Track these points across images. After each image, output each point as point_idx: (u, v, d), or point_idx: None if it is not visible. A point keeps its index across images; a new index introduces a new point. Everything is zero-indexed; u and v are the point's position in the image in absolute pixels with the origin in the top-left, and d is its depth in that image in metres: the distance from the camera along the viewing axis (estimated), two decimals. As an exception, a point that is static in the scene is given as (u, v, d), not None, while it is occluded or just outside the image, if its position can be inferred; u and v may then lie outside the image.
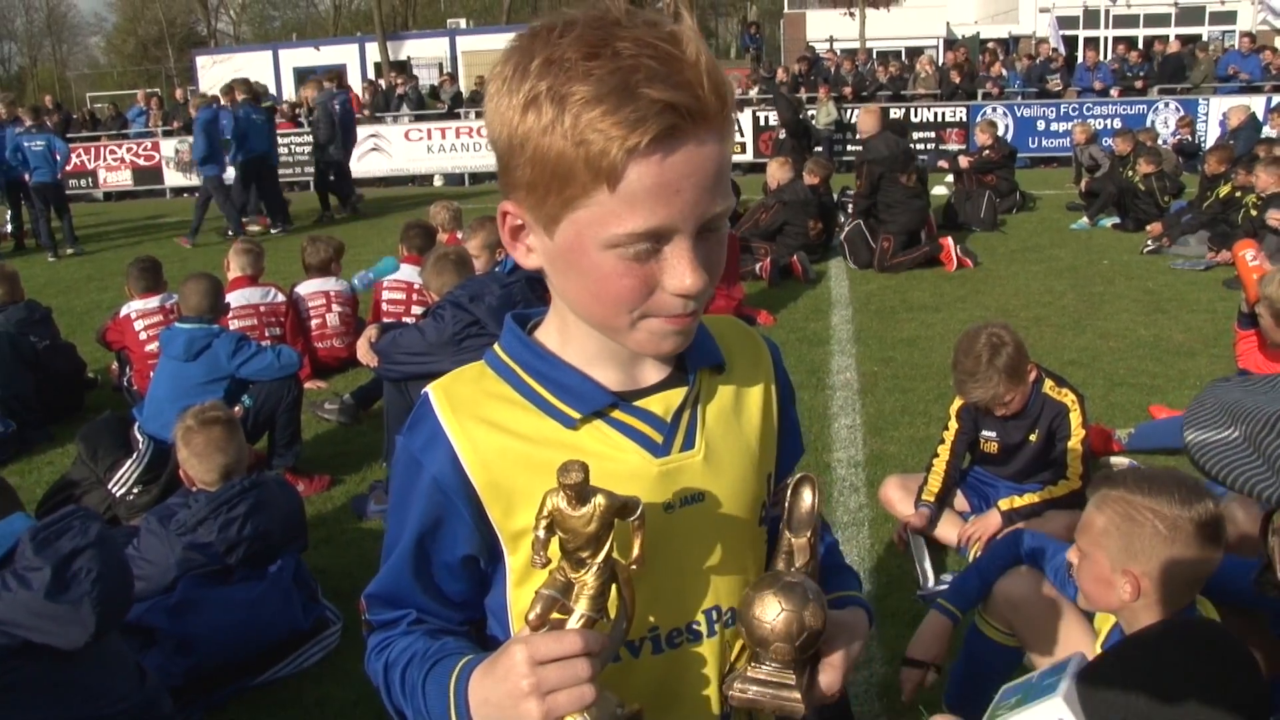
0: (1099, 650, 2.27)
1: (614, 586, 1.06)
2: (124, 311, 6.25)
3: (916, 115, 18.51)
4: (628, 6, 1.00)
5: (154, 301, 6.21)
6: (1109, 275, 9.02)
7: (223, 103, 13.60)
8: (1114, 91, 18.68)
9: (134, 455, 4.58)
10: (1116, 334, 7.02)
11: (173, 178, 19.58)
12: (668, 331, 1.07)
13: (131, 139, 20.54)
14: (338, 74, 16.85)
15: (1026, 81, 19.67)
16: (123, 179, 20.13)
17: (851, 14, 28.38)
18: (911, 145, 10.42)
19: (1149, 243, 10.02)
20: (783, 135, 16.72)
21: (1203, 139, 16.52)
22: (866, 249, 9.66)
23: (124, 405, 5.89)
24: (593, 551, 1.02)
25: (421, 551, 1.18)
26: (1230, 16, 28.84)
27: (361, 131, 19.82)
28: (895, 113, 17.30)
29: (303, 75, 26.10)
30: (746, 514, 1.22)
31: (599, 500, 0.99)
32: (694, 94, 0.95)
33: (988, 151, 12.71)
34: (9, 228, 13.90)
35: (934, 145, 17.97)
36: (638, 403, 1.16)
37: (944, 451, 4.08)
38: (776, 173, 10.25)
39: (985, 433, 4.02)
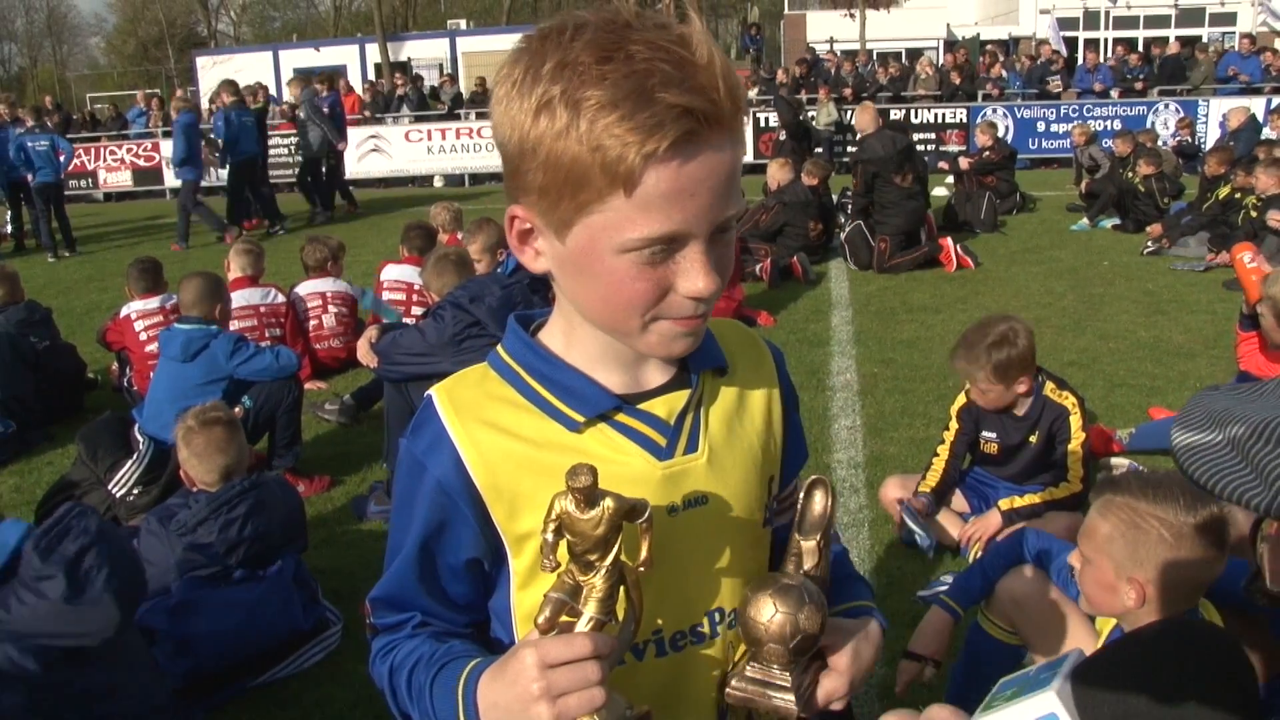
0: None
1: (622, 589, 1.06)
2: (124, 312, 6.25)
3: (917, 116, 18.53)
4: (637, 9, 0.99)
5: (154, 302, 6.21)
6: (1109, 276, 9.02)
7: (216, 105, 13.61)
8: (1114, 93, 18.68)
9: (134, 456, 4.58)
10: (1116, 335, 7.02)
11: (173, 178, 19.56)
12: (678, 333, 1.07)
13: (132, 140, 20.57)
14: (329, 76, 16.76)
15: (1027, 83, 19.68)
16: (123, 179, 20.15)
17: (852, 15, 28.40)
18: (913, 143, 10.37)
19: (1149, 244, 10.02)
20: (783, 137, 16.73)
21: (1202, 140, 16.53)
22: (867, 249, 9.66)
23: (124, 406, 5.88)
24: (601, 554, 1.02)
25: (426, 554, 1.18)
26: (1230, 18, 28.86)
27: (362, 132, 19.87)
28: (895, 114, 17.34)
29: (303, 76, 26.16)
30: (749, 517, 1.22)
31: (608, 503, 0.99)
32: (710, 98, 0.95)
33: (988, 153, 12.72)
34: (9, 228, 13.90)
35: (934, 146, 17.98)
36: (641, 405, 1.15)
37: (944, 451, 4.10)
38: (776, 174, 10.25)
39: (985, 433, 4.02)
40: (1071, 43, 25.41)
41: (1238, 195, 9.58)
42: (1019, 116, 18.40)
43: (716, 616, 1.20)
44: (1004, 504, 3.85)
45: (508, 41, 22.95)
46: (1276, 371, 4.33)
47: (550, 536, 1.02)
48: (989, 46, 24.50)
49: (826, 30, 30.38)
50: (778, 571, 1.20)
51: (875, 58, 23.55)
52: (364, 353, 4.71)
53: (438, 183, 19.71)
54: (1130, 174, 11.58)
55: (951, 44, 28.06)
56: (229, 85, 14.14)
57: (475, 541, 1.15)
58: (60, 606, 2.43)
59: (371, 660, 1.26)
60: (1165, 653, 0.64)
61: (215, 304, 4.92)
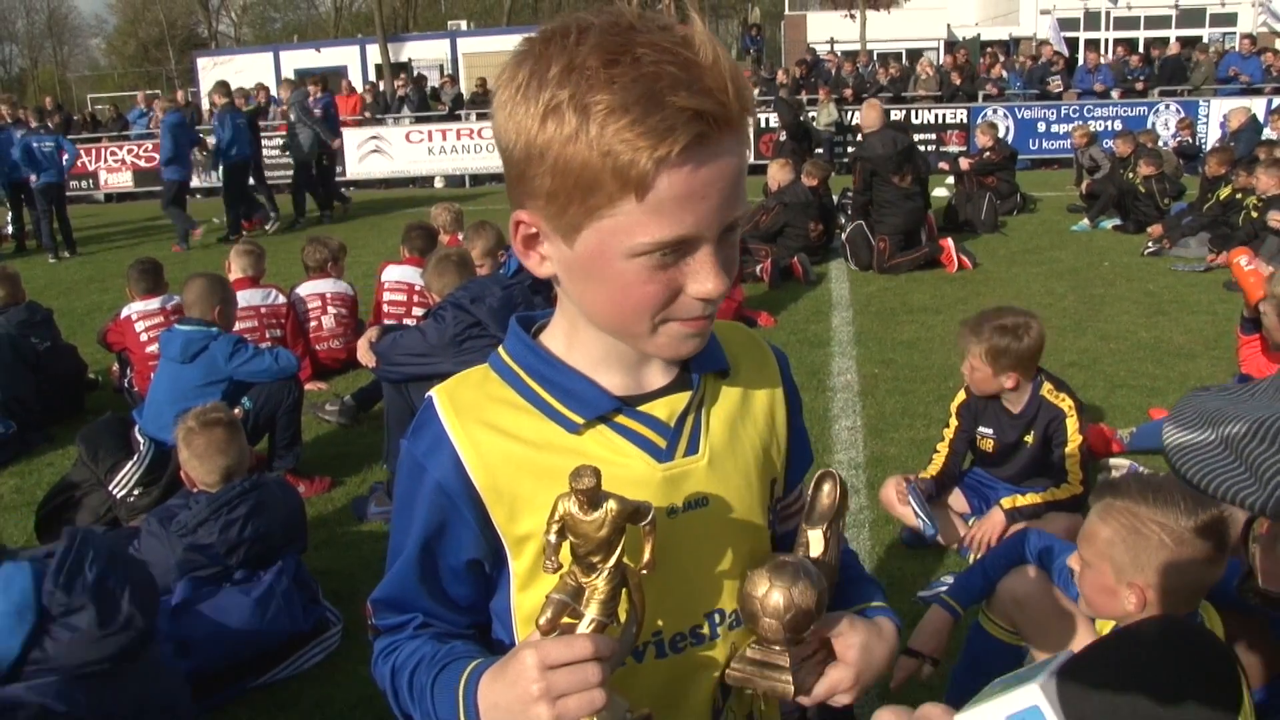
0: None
1: (624, 591, 1.06)
2: (125, 313, 6.25)
3: (917, 117, 18.53)
4: (639, 10, 0.99)
5: (155, 303, 6.21)
6: (1109, 277, 9.02)
7: (217, 105, 13.61)
8: (1114, 93, 18.68)
9: (135, 457, 4.57)
10: (1117, 336, 7.02)
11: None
12: (687, 334, 1.08)
13: (132, 140, 20.59)
14: (323, 77, 16.75)
15: (1027, 83, 19.68)
16: (123, 180, 20.17)
17: (852, 16, 28.44)
18: (915, 144, 10.37)
19: (1149, 245, 10.02)
20: (783, 137, 16.73)
21: (1203, 141, 16.53)
22: (868, 249, 9.67)
23: (125, 407, 5.88)
24: (604, 556, 1.02)
25: (427, 556, 1.18)
26: (1231, 19, 28.87)
27: (362, 133, 19.87)
28: (896, 114, 17.31)
29: (304, 77, 26.18)
30: (750, 519, 1.21)
31: (611, 505, 0.99)
32: (719, 100, 0.95)
33: (988, 153, 12.71)
34: (10, 229, 13.91)
35: (934, 147, 17.98)
36: (642, 407, 1.15)
37: (943, 447, 4.15)
38: (777, 174, 10.25)
39: (982, 429, 4.04)
40: (1072, 43, 25.41)
41: (1238, 196, 9.58)
42: (1019, 117, 18.40)
43: (717, 618, 1.20)
44: (1006, 502, 3.85)
45: (508, 42, 22.93)
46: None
47: (553, 538, 1.02)
48: (990, 48, 24.49)
49: (827, 31, 30.40)
50: (780, 553, 1.21)
51: (875, 58, 23.57)
52: (364, 353, 4.71)
53: (438, 183, 19.71)
54: (1131, 175, 11.58)
55: (952, 44, 28.06)
56: (220, 87, 14.14)
57: (475, 543, 1.15)
58: (95, 634, 2.42)
59: (374, 661, 1.26)
60: (1150, 649, 0.64)
61: (214, 305, 4.91)
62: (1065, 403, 3.83)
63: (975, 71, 20.28)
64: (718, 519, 1.17)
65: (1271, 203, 8.74)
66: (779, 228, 9.63)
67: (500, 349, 1.20)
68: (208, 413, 3.62)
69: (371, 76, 25.91)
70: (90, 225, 15.31)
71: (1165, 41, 21.77)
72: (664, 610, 1.16)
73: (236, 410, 4.56)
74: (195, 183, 16.53)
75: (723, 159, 0.97)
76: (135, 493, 4.49)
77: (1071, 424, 3.79)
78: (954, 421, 4.11)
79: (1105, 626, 2.35)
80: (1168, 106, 17.90)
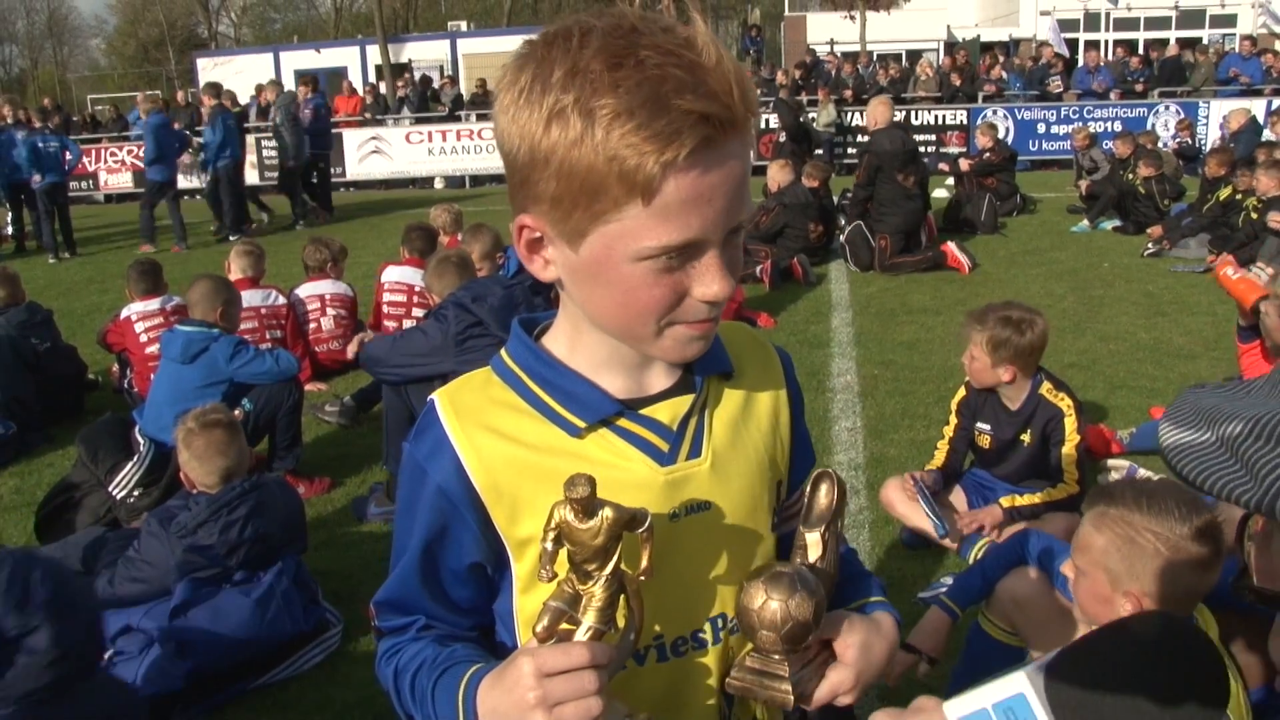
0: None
1: (622, 598, 1.06)
2: (124, 313, 6.25)
3: (917, 118, 18.54)
4: (641, 12, 0.99)
5: (154, 303, 6.21)
6: (1109, 278, 9.02)
7: (207, 106, 13.59)
8: (1114, 94, 18.69)
9: (134, 457, 4.57)
10: (1116, 337, 7.02)
11: (180, 180, 19.58)
12: (692, 337, 1.07)
13: (132, 141, 20.54)
14: (314, 79, 16.71)
15: (1027, 84, 19.69)
16: (123, 181, 20.16)
17: (852, 17, 28.44)
18: (918, 148, 10.39)
19: (1149, 246, 10.02)
20: (783, 138, 16.73)
21: (1203, 142, 16.54)
22: (868, 250, 9.67)
23: (125, 407, 5.88)
24: (600, 564, 1.02)
25: (429, 558, 1.18)
26: (1231, 20, 28.86)
27: (362, 134, 19.88)
28: (895, 115, 17.29)
29: (304, 77, 26.17)
30: (754, 522, 1.21)
31: (606, 513, 0.99)
32: (724, 103, 0.94)
33: (988, 154, 12.72)
34: (10, 230, 13.90)
35: (934, 148, 17.98)
36: (644, 411, 1.15)
37: (944, 445, 4.20)
38: (777, 175, 10.25)
39: (980, 425, 4.06)
40: (1072, 44, 25.42)
41: (1238, 197, 9.58)
42: (1019, 118, 18.41)
43: (719, 623, 1.20)
44: (1005, 501, 3.86)
45: (508, 43, 22.95)
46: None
47: (550, 545, 1.02)
48: (992, 49, 24.50)
49: (827, 32, 30.41)
50: (777, 561, 1.20)
51: (875, 59, 23.57)
52: (353, 351, 4.71)
53: (438, 184, 19.72)
54: (1130, 176, 11.59)
55: (951, 46, 28.06)
56: (210, 88, 14.12)
57: (477, 546, 1.15)
58: (52, 655, 2.37)
59: (377, 662, 1.27)
60: (1144, 648, 0.64)
61: (217, 306, 4.91)
62: (1064, 402, 3.83)
63: (975, 72, 20.28)
64: (720, 523, 1.17)
65: (1271, 204, 8.73)
66: (779, 229, 9.63)
67: (502, 351, 1.20)
68: (207, 414, 3.62)
69: (371, 77, 25.92)
70: (90, 226, 15.31)
71: (1165, 43, 21.77)
72: (665, 614, 1.15)
73: (236, 412, 4.56)
74: (186, 184, 16.58)
75: (728, 162, 0.97)
76: (135, 493, 4.49)
77: (1070, 423, 3.79)
78: (954, 419, 4.15)
79: (1104, 627, 2.34)
80: (1167, 108, 17.91)
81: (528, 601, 1.16)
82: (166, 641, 3.18)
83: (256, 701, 3.28)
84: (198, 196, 16.48)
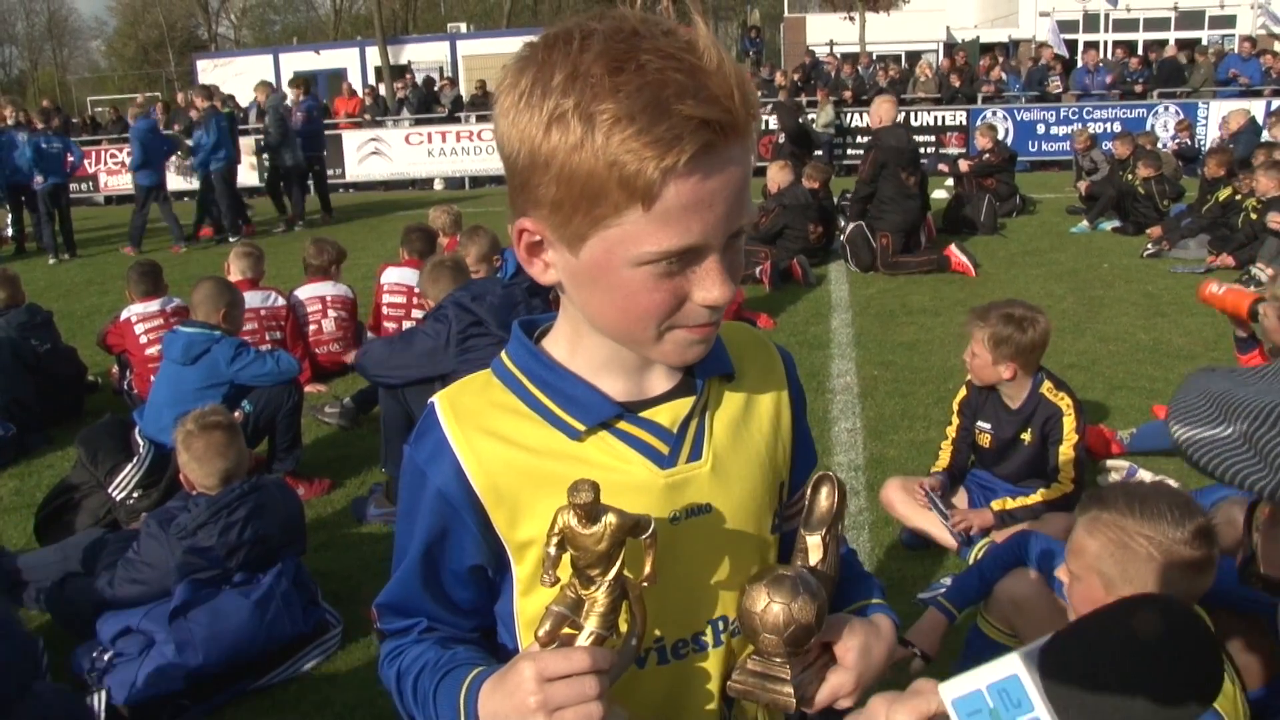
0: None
1: (625, 604, 1.06)
2: (124, 315, 6.25)
3: (916, 119, 18.53)
4: (642, 14, 0.98)
5: (154, 305, 6.21)
6: (1109, 279, 9.03)
7: (199, 108, 13.59)
8: (1114, 94, 18.69)
9: (134, 459, 4.58)
10: (1116, 338, 7.02)
11: (174, 181, 19.56)
12: (693, 341, 1.07)
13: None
14: (305, 80, 16.68)
15: (1026, 85, 19.70)
16: (124, 183, 20.07)
17: (851, 18, 28.43)
18: (919, 148, 10.41)
19: (1149, 246, 10.03)
20: (782, 139, 16.74)
21: (1202, 143, 16.54)
22: (868, 250, 9.67)
23: (125, 409, 5.88)
24: (603, 569, 1.02)
25: (429, 561, 1.18)
26: (1230, 20, 28.85)
27: (362, 135, 19.89)
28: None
29: (296, 80, 26.17)
30: (756, 524, 1.21)
31: (610, 519, 0.99)
32: (725, 108, 0.93)
33: (987, 155, 12.73)
34: (10, 231, 13.90)
35: (934, 149, 17.99)
36: (644, 413, 1.15)
37: (947, 445, 4.22)
38: (776, 176, 10.25)
39: (980, 423, 4.08)
40: (1071, 45, 25.42)
41: (1237, 198, 9.59)
42: (1019, 119, 18.42)
43: (720, 625, 1.20)
44: (996, 505, 3.87)
45: (508, 44, 22.94)
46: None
47: (553, 550, 1.02)
48: (992, 51, 24.50)
49: (826, 33, 30.41)
50: (779, 564, 1.20)
51: (875, 60, 23.58)
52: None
53: (438, 185, 19.73)
54: (1130, 176, 11.59)
55: (951, 47, 28.06)
56: (202, 90, 14.12)
57: (477, 549, 1.15)
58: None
59: (380, 664, 1.27)
60: (1126, 623, 0.64)
61: (219, 308, 4.92)
62: (1064, 401, 3.83)
63: (975, 73, 20.29)
64: (721, 525, 1.17)
65: (1271, 204, 8.74)
66: (778, 230, 9.63)
67: (503, 354, 1.20)
68: (206, 416, 3.61)
69: (371, 79, 25.93)
70: (90, 228, 15.31)
71: (1164, 44, 21.77)
72: (665, 617, 1.15)
73: (236, 413, 4.56)
74: (184, 185, 16.58)
75: (729, 167, 0.97)
76: (135, 495, 4.49)
77: (1069, 423, 3.80)
78: (956, 419, 4.17)
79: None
80: (1166, 108, 17.91)
81: (528, 604, 1.16)
82: (166, 643, 3.18)
83: (256, 703, 3.29)
84: (185, 199, 16.45)
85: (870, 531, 4.22)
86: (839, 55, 24.12)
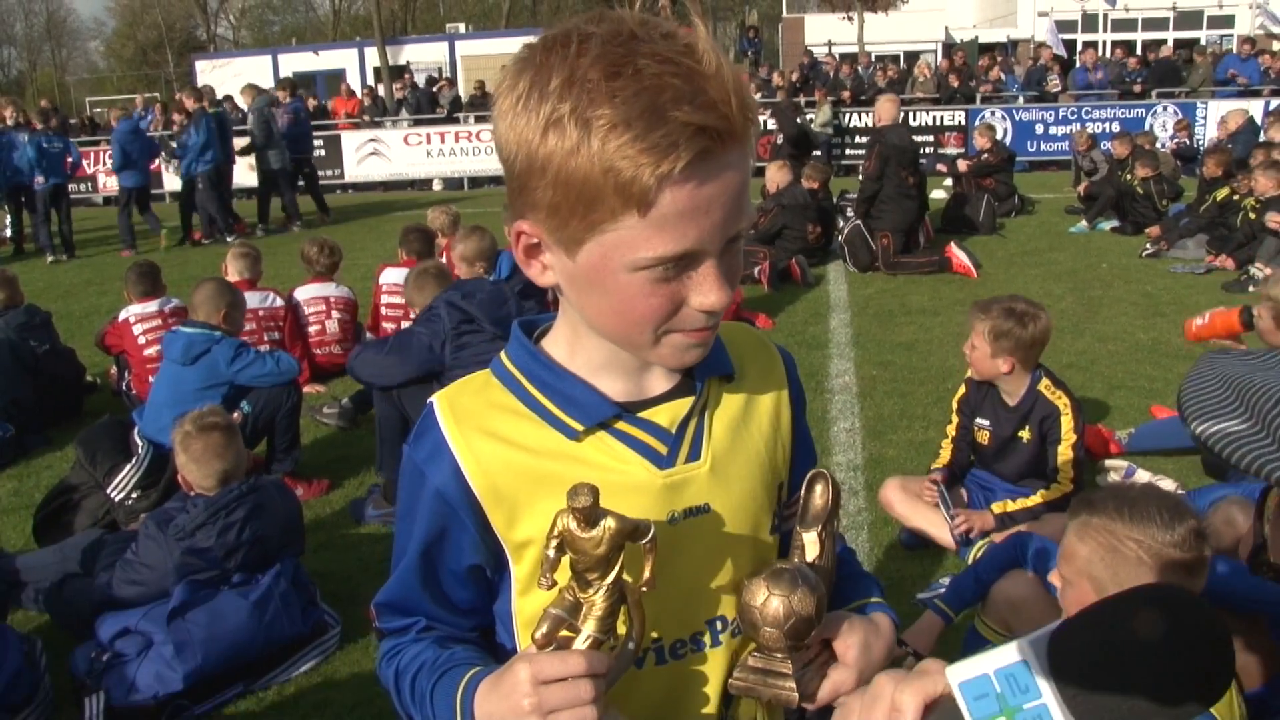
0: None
1: (623, 608, 1.06)
2: (122, 316, 6.24)
3: (915, 119, 18.53)
4: (641, 16, 0.98)
5: (152, 305, 6.20)
6: (1107, 279, 9.03)
7: (189, 109, 13.57)
8: (1114, 94, 18.70)
9: (133, 460, 4.58)
10: (1115, 337, 7.03)
11: (172, 182, 19.55)
12: (690, 345, 1.07)
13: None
14: (292, 82, 16.64)
15: (1025, 85, 19.71)
16: (122, 184, 20.13)
17: (850, 18, 28.44)
18: (920, 148, 10.43)
19: (1147, 246, 10.03)
20: (780, 140, 16.75)
21: (1201, 143, 16.54)
22: (867, 251, 9.68)
23: (123, 409, 5.88)
24: (602, 573, 1.02)
25: (428, 561, 1.19)
26: (1228, 20, 28.89)
27: (360, 136, 19.89)
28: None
29: (302, 80, 26.17)
30: (754, 525, 1.21)
31: (609, 523, 0.99)
32: (722, 113, 0.93)
33: (986, 155, 12.73)
34: (9, 232, 13.90)
35: (932, 149, 17.99)
36: (643, 414, 1.15)
37: (947, 444, 4.23)
38: (775, 176, 10.25)
39: (979, 420, 4.09)
40: (1070, 45, 25.44)
41: (1235, 198, 9.59)
42: (1018, 119, 18.42)
43: (718, 625, 1.20)
44: (997, 507, 3.87)
45: (506, 45, 22.93)
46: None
47: (552, 553, 1.02)
48: (991, 51, 24.51)
49: (824, 33, 30.41)
50: (777, 559, 1.20)
51: (875, 60, 23.59)
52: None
53: (436, 186, 19.72)
54: (1128, 176, 11.60)
55: (949, 47, 28.08)
56: (191, 91, 14.10)
57: (476, 549, 1.15)
58: None
59: (379, 663, 1.28)
60: (1131, 610, 0.64)
61: (220, 309, 4.91)
62: (1061, 400, 3.84)
63: (973, 73, 20.29)
64: (720, 526, 1.17)
65: (1269, 204, 8.75)
66: (777, 230, 9.63)
67: (503, 354, 1.20)
68: (204, 416, 3.61)
69: (370, 79, 25.93)
70: (89, 228, 15.30)
71: (1163, 44, 21.78)
72: (664, 617, 1.15)
73: (235, 414, 4.56)
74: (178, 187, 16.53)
75: (726, 173, 0.96)
76: (134, 495, 4.49)
77: (1066, 422, 3.80)
78: (955, 417, 4.18)
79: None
80: (1165, 108, 17.91)
81: (526, 604, 1.16)
82: (165, 644, 3.18)
83: (254, 704, 3.28)
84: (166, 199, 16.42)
85: (869, 531, 4.22)
86: (837, 55, 24.13)
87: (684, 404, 1.16)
